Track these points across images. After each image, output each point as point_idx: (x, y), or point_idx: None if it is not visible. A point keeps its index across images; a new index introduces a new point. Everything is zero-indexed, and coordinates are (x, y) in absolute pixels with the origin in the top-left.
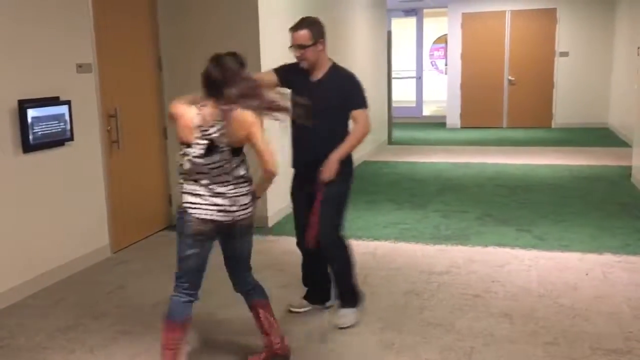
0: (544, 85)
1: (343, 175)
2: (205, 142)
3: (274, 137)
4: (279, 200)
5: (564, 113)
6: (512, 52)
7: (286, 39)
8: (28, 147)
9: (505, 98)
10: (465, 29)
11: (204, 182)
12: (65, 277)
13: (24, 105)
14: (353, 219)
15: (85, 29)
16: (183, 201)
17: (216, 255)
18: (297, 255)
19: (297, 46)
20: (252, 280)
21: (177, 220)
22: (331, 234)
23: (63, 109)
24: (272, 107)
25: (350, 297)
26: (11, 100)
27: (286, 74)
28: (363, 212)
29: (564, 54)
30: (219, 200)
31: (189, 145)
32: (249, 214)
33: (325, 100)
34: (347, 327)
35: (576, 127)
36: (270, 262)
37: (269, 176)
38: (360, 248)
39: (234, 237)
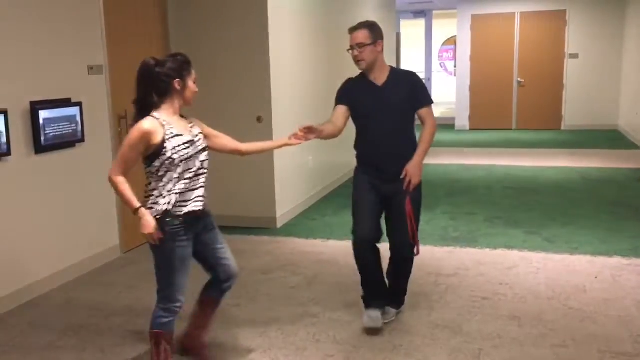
0: (553, 87)
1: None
2: None
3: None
4: (287, 201)
5: (573, 115)
6: (521, 54)
7: (294, 42)
8: (40, 148)
9: (514, 100)
10: (474, 30)
11: None
12: (76, 277)
13: (36, 107)
14: None
15: (97, 31)
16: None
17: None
18: (305, 256)
19: (356, 45)
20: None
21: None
22: (414, 236)
23: (74, 111)
24: None
25: (404, 298)
26: (23, 102)
27: (348, 95)
28: None
29: (574, 56)
30: None
31: None
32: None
33: (397, 102)
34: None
35: (586, 129)
36: (279, 263)
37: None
38: None
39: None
